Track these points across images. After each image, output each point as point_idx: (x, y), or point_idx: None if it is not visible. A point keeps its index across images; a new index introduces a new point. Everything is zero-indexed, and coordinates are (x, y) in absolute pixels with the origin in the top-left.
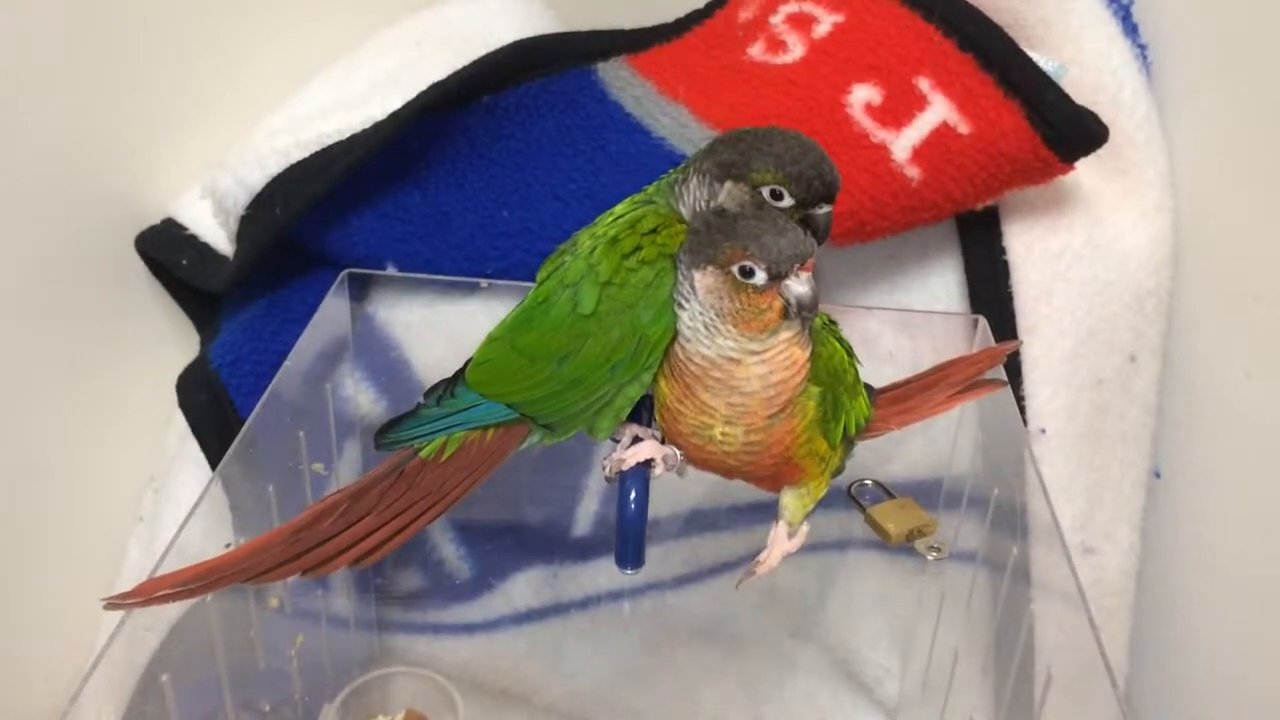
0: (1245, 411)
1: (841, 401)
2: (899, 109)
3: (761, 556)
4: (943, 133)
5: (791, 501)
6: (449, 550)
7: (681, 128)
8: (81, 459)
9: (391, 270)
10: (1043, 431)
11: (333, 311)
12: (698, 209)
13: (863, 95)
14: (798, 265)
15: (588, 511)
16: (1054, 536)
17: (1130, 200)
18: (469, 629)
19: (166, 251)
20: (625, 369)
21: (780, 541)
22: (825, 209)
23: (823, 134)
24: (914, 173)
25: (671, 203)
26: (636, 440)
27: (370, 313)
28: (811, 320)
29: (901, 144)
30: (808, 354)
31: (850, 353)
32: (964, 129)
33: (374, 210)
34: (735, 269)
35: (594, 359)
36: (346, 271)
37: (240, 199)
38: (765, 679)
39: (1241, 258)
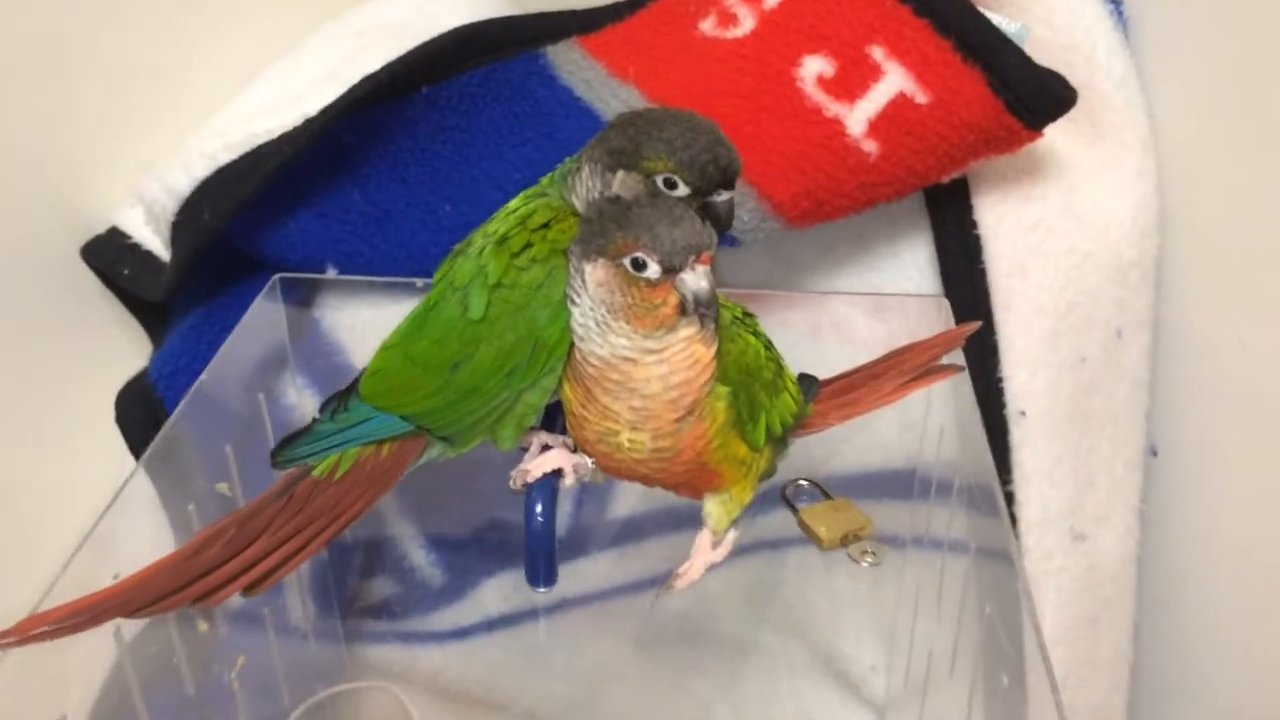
0: (1241, 380)
1: (759, 400)
2: (852, 80)
3: (682, 569)
4: (900, 103)
5: (715, 509)
6: (420, 557)
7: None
8: (30, 473)
9: (332, 273)
10: (1023, 414)
11: (264, 316)
12: (590, 200)
13: (814, 68)
14: (693, 258)
15: (558, 514)
16: (1030, 526)
17: (1109, 166)
18: (440, 637)
19: (109, 261)
20: (522, 375)
21: (704, 551)
22: (725, 195)
23: (774, 110)
24: (871, 147)
25: (565, 195)
26: (546, 449)
27: (316, 317)
28: (711, 317)
29: (856, 117)
30: (713, 351)
31: (769, 346)
32: (922, 99)
33: (311, 211)
34: (627, 261)
35: (488, 366)
36: (278, 276)
37: (168, 205)
38: (748, 679)
39: (1230, 218)
